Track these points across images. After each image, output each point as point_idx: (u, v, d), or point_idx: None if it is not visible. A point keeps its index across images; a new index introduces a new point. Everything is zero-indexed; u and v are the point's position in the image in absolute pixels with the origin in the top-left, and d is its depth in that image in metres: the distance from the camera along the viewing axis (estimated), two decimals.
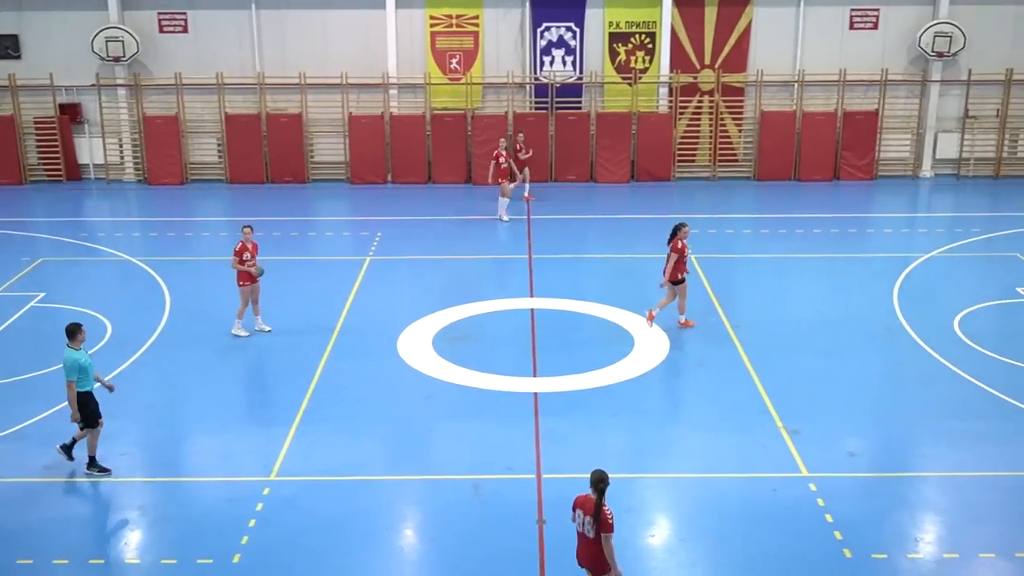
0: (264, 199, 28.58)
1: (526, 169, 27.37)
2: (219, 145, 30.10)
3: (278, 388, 17.00)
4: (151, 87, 29.86)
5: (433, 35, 29.36)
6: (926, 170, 30.15)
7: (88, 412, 13.91)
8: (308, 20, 29.36)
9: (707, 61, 29.48)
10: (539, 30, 29.21)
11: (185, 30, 29.53)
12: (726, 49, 29.36)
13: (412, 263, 22.75)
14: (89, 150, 30.33)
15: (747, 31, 29.27)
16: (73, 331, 13.84)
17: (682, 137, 29.82)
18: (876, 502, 13.46)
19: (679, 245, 18.59)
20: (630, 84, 29.40)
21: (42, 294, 20.84)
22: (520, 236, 24.63)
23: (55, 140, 30.01)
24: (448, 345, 18.22)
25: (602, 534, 10.32)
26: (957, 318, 19.32)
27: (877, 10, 29.24)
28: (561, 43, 29.34)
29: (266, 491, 13.56)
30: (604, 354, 17.84)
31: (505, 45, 29.54)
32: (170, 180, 29.85)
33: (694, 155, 30.08)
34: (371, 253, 23.41)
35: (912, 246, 23.96)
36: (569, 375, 17.04)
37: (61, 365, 13.77)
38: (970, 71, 29.23)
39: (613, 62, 29.50)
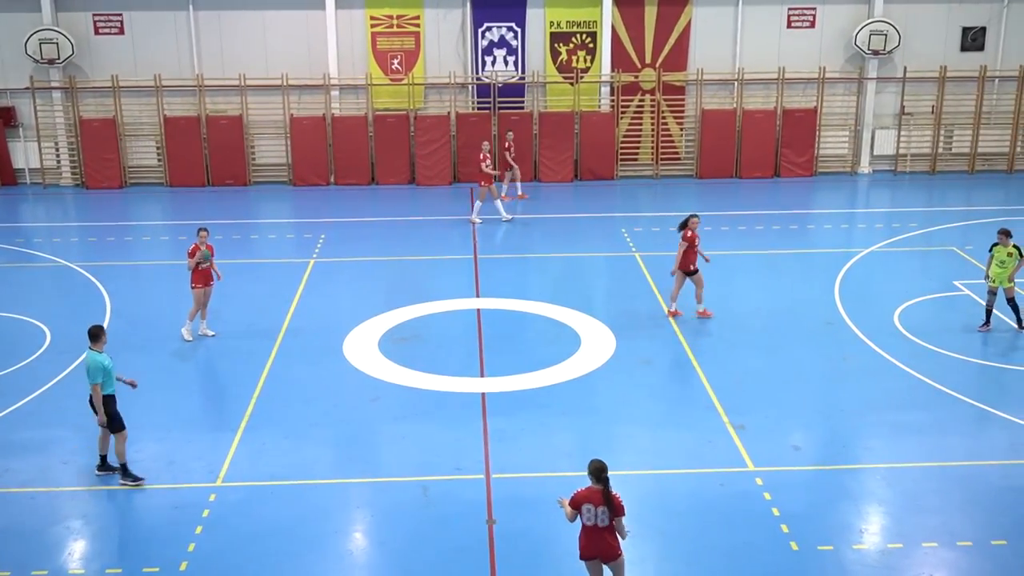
0: (205, 202, 28.26)
1: (516, 168, 27.33)
2: (158, 148, 29.71)
3: (223, 393, 16.82)
4: (87, 89, 29.38)
5: (374, 36, 29.24)
6: (864, 166, 30.62)
7: (113, 416, 13.66)
8: (247, 21, 29.08)
9: (648, 60, 29.68)
10: (480, 30, 29.21)
11: (121, 31, 29.10)
12: (666, 48, 29.58)
13: (357, 265, 22.63)
14: (24, 154, 29.77)
15: (687, 30, 29.51)
16: (96, 333, 13.58)
17: (624, 136, 29.99)
18: (821, 494, 13.64)
19: (688, 235, 18.94)
20: (572, 84, 29.51)
21: None
22: (465, 236, 24.61)
23: None
24: (394, 347, 18.15)
25: (618, 518, 10.49)
26: (897, 311, 19.64)
27: (814, 9, 29.63)
28: (503, 43, 29.37)
29: (212, 497, 13.40)
30: (551, 353, 17.88)
31: (447, 45, 29.49)
32: (108, 184, 29.39)
33: (636, 154, 30.28)
34: (315, 255, 23.25)
35: (852, 241, 24.31)
36: (516, 375, 17.06)
37: (85, 368, 13.59)
38: (905, 68, 29.74)
39: (555, 62, 29.59)
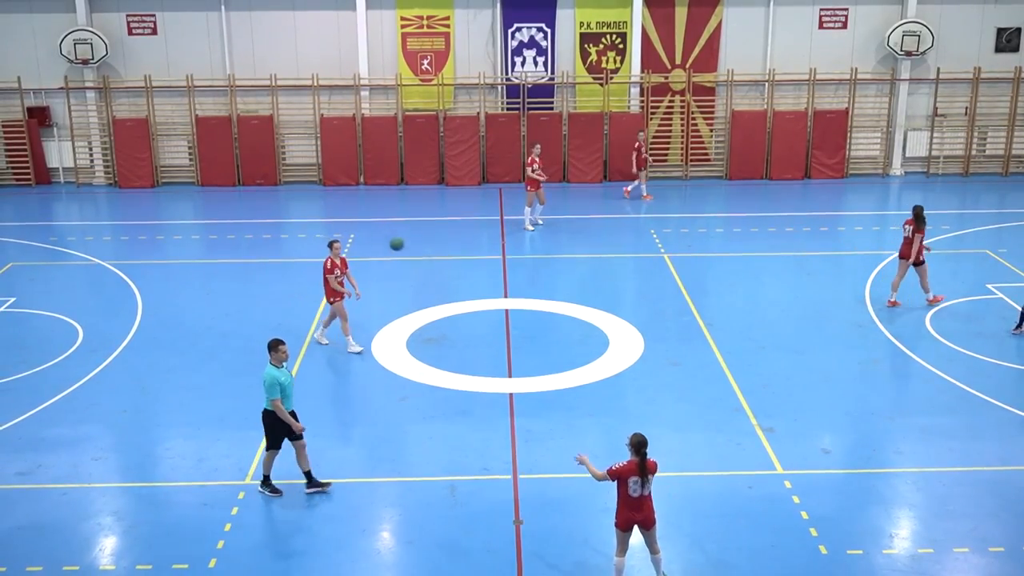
0: (236, 202, 28.45)
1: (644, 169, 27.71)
2: (190, 148, 29.93)
3: (252, 391, 16.85)
4: (120, 90, 29.65)
5: (404, 36, 29.31)
6: (896, 168, 30.39)
7: (275, 434, 13.38)
8: (278, 21, 29.24)
9: (678, 61, 29.59)
10: (510, 31, 29.22)
11: (154, 32, 29.34)
12: (696, 49, 29.48)
13: (385, 265, 22.69)
14: (58, 154, 30.09)
15: (717, 31, 29.40)
16: (274, 345, 13.25)
17: (654, 137, 29.91)
18: (850, 498, 13.55)
19: (914, 225, 19.65)
20: (601, 84, 29.46)
21: (12, 299, 20.64)
22: (494, 237, 24.63)
23: (23, 144, 29.74)
24: (423, 346, 18.18)
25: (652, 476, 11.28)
26: (928, 315, 19.48)
27: (846, 9, 29.44)
28: (532, 43, 29.37)
29: (241, 495, 13.48)
30: (579, 354, 17.87)
31: (476, 46, 29.53)
32: (141, 183, 29.65)
33: (666, 155, 30.19)
34: (345, 254, 23.32)
35: (883, 244, 24.12)
36: (544, 375, 17.05)
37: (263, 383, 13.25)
38: (938, 70, 29.49)
39: (584, 62, 29.56)
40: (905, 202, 28.33)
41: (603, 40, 29.46)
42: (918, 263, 19.68)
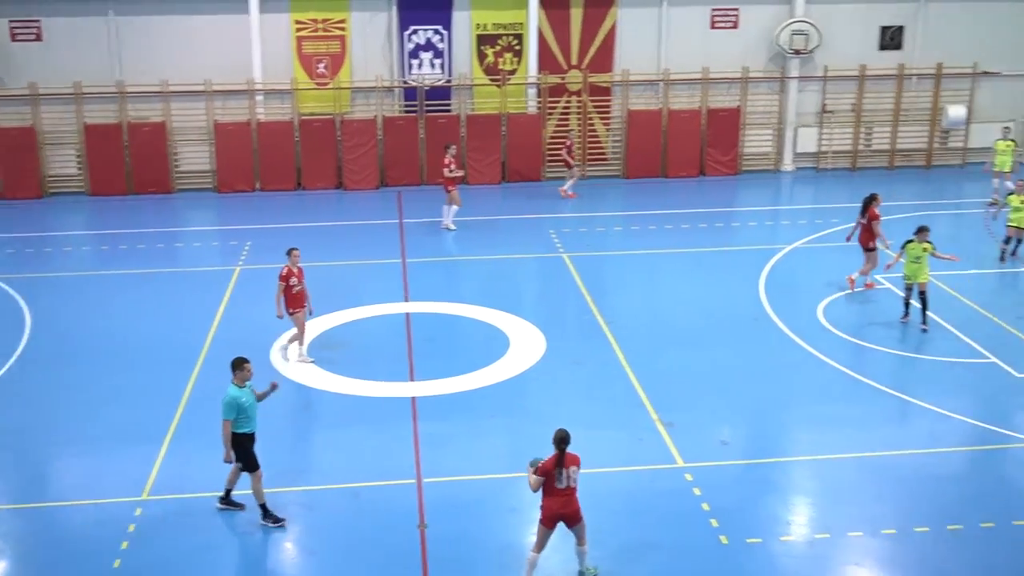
0: (127, 211, 27.76)
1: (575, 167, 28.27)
2: (78, 156, 29.13)
3: (148, 405, 16.47)
4: (3, 98, 28.71)
5: (299, 40, 28.99)
6: (787, 164, 31.07)
7: (246, 454, 12.87)
8: (168, 26, 28.64)
9: (574, 62, 29.82)
10: (407, 33, 29.11)
11: (39, 38, 28.49)
12: (592, 50, 29.75)
13: None
14: None
15: (612, 32, 29.71)
16: (238, 364, 12.76)
17: (551, 137, 30.10)
18: (749, 488, 13.82)
19: (876, 212, 20.47)
20: (499, 86, 29.54)
21: None
22: (394, 241, 24.50)
23: None
24: (324, 353, 18.00)
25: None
26: (820, 306, 19.97)
27: (736, 10, 30.00)
28: (429, 46, 29.31)
29: (138, 511, 13.18)
30: (481, 355, 17.89)
31: (373, 49, 29.35)
32: (27, 194, 28.74)
33: (560, 156, 30.35)
34: (241, 263, 22.99)
35: (776, 238, 24.67)
36: (446, 378, 17.03)
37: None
38: (826, 67, 30.24)
39: (481, 64, 29.60)
40: (796, 197, 29.05)
41: (500, 42, 29.54)
42: (868, 248, 20.56)
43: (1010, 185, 26.62)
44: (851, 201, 27.77)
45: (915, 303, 18.91)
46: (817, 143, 30.90)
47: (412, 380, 17.04)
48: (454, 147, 25.56)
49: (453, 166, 24.94)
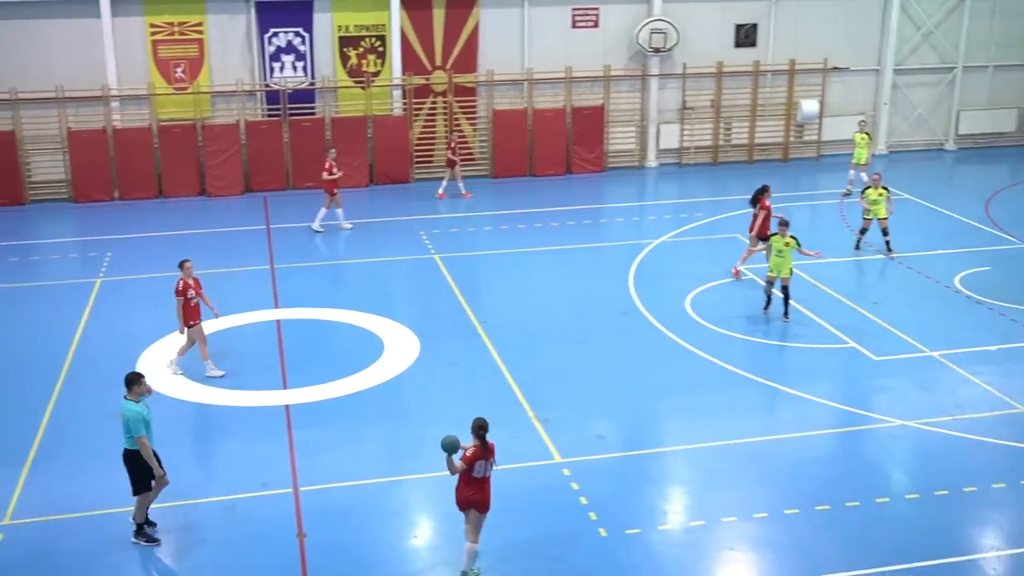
0: None
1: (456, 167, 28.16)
2: None
3: (7, 425, 15.83)
4: None
5: (155, 44, 28.21)
6: (651, 160, 31.66)
7: (143, 474, 12.32)
8: (16, 32, 27.48)
9: (438, 62, 29.79)
10: (267, 36, 28.62)
11: None
12: (456, 50, 29.77)
13: (147, 282, 21.75)
14: None
15: (475, 32, 29.78)
16: (135, 379, 12.21)
17: (418, 139, 30.01)
18: (625, 480, 14.05)
19: (767, 203, 21.15)
20: (363, 88, 29.31)
21: None
22: (261, 247, 24.08)
23: None
24: (192, 364, 17.57)
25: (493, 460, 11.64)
26: (688, 298, 20.42)
27: (597, 9, 30.42)
28: (291, 48, 28.88)
29: (0, 536, 12.64)
30: (355, 360, 17.73)
31: (232, 52, 28.76)
32: None
33: (431, 156, 30.34)
34: (101, 274, 22.26)
35: (643, 233, 25.12)
36: (321, 384, 16.83)
37: (123, 421, 12.14)
38: (685, 65, 30.92)
39: (345, 66, 29.32)
40: (661, 192, 29.62)
41: (362, 43, 29.31)
42: (762, 237, 21.18)
43: (864, 177, 27.76)
44: (713, 195, 28.57)
45: (777, 293, 19.50)
46: (679, 139, 31.56)
47: (285, 388, 16.78)
48: (334, 150, 25.70)
49: (334, 169, 24.90)
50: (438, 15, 29.41)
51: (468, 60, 29.91)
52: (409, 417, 15.91)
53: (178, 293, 16.99)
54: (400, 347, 18.27)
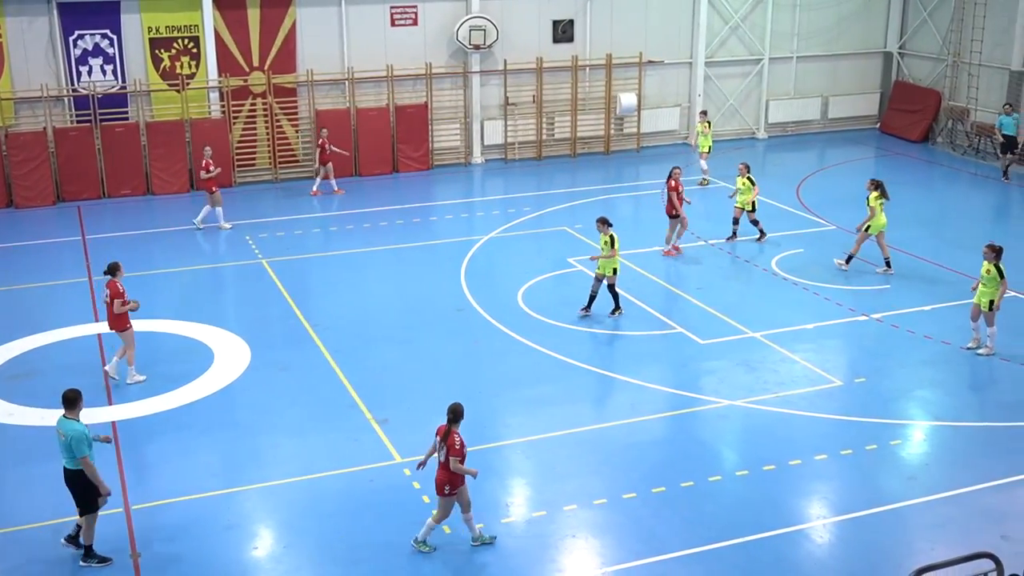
0: None
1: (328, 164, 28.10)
2: None
3: None
4: None
5: None
6: (477, 157, 31.84)
7: (90, 495, 11.97)
8: None
9: (256, 63, 29.16)
10: (71, 39, 27.40)
11: None
12: (274, 50, 29.19)
13: None
14: None
15: (292, 31, 29.28)
16: (74, 399, 12.02)
17: (239, 141, 29.32)
18: (468, 477, 14.06)
19: (672, 184, 22.31)
20: (178, 91, 28.43)
21: None
22: (77, 259, 23.05)
23: None
24: (10, 385, 16.69)
25: (451, 458, 11.84)
26: (520, 292, 20.63)
27: (415, 7, 30.37)
28: (98, 51, 27.74)
29: None
30: (183, 371, 17.20)
31: (35, 56, 27.41)
32: None
33: (254, 159, 29.70)
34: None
35: (472, 230, 25.24)
36: (149, 398, 16.26)
37: (64, 440, 11.80)
38: (505, 61, 31.21)
39: (157, 69, 28.35)
40: (488, 188, 29.81)
41: (175, 45, 28.40)
42: (672, 216, 22.49)
43: (704, 164, 28.72)
44: (539, 189, 28.96)
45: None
46: (503, 135, 31.85)
47: (111, 404, 16.14)
48: (209, 148, 25.58)
49: (211, 166, 24.72)
50: (253, 15, 28.78)
51: (287, 60, 29.39)
52: (243, 426, 15.54)
53: (116, 296, 16.60)
54: (230, 355, 17.83)
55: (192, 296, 21.04)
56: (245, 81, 29.10)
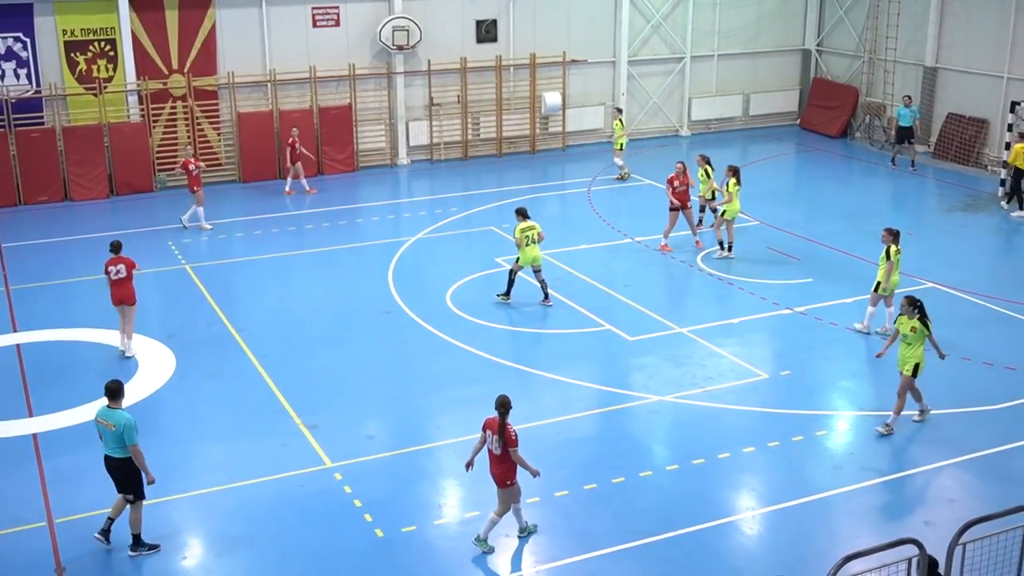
0: None
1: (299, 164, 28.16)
2: None
3: None
4: None
5: None
6: (403, 158, 31.71)
7: (140, 481, 12.38)
8: None
9: (175, 66, 28.70)
10: None
11: None
12: (193, 53, 28.76)
13: None
14: None
15: (212, 33, 28.88)
16: (117, 389, 12.38)
17: (160, 145, 28.84)
18: (399, 479, 14.04)
19: (672, 176, 22.82)
20: (95, 95, 27.87)
21: None
22: None
23: None
24: None
25: (509, 448, 11.98)
26: (448, 293, 20.59)
27: (337, 7, 30.15)
28: (11, 55, 27.09)
29: None
30: (106, 380, 16.81)
31: None
32: None
33: (175, 163, 29.23)
34: None
35: (400, 231, 25.14)
36: (71, 408, 15.92)
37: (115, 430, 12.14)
38: (429, 62, 31.13)
39: (74, 72, 27.76)
40: (415, 189, 29.71)
41: (91, 48, 27.84)
42: (672, 208, 22.83)
43: (617, 161, 28.97)
44: (465, 190, 28.95)
45: (533, 281, 19.96)
46: (429, 136, 31.77)
47: (31, 416, 15.77)
48: (190, 147, 26.52)
49: (190, 164, 25.05)
50: (171, 16, 28.33)
51: (207, 62, 28.98)
52: (169, 434, 15.29)
53: (134, 270, 18.03)
54: (154, 363, 17.53)
55: (111, 304, 20.57)
56: (164, 84, 28.63)
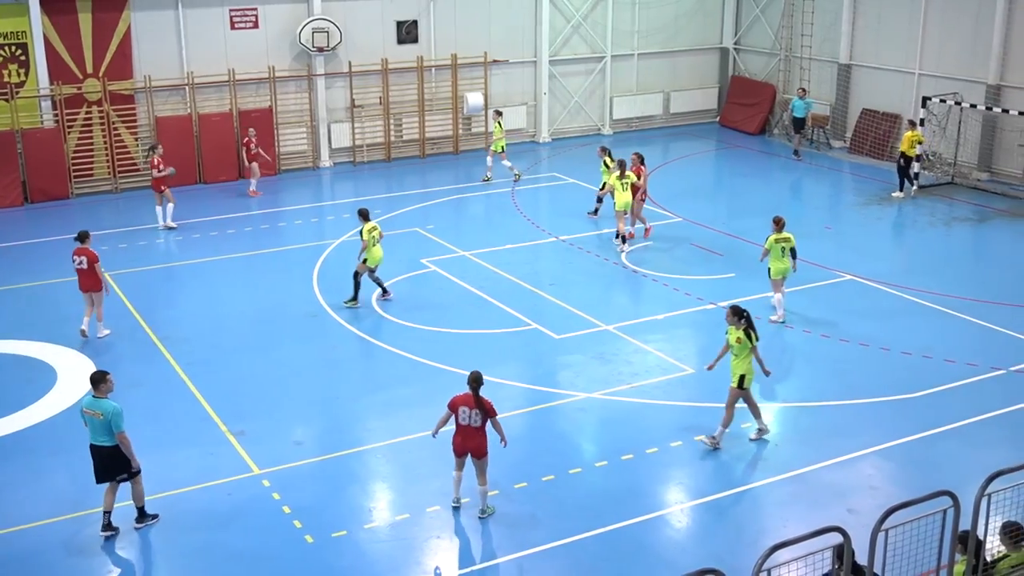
0: None
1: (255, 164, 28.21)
2: None
3: None
4: None
5: None
6: (325, 160, 31.47)
7: (125, 462, 12.74)
8: None
9: (90, 70, 28.13)
10: None
11: None
12: (108, 56, 28.22)
13: None
14: None
15: (127, 37, 28.36)
16: (100, 378, 12.72)
17: (75, 151, 28.25)
18: (328, 483, 13.96)
19: (638, 170, 23.66)
20: (7, 100, 27.20)
21: None
22: None
23: None
24: None
25: (491, 418, 12.71)
26: (374, 295, 20.49)
27: (255, 9, 29.81)
28: None
29: None
30: (26, 393, 16.48)
31: None
32: None
33: (92, 169, 28.66)
34: None
35: (323, 234, 24.96)
36: None
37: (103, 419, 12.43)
38: (350, 63, 30.93)
39: None
40: (338, 192, 29.55)
41: (2, 52, 27.17)
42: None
43: (505, 163, 29.00)
44: (389, 191, 28.84)
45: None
46: (351, 138, 31.58)
47: None
48: (160, 147, 25.72)
49: (161, 166, 24.92)
50: (84, 19, 27.77)
51: (123, 66, 28.46)
52: None
53: (95, 261, 18.37)
54: (74, 374, 17.16)
55: (30, 313, 20.13)
56: (79, 89, 28.05)
